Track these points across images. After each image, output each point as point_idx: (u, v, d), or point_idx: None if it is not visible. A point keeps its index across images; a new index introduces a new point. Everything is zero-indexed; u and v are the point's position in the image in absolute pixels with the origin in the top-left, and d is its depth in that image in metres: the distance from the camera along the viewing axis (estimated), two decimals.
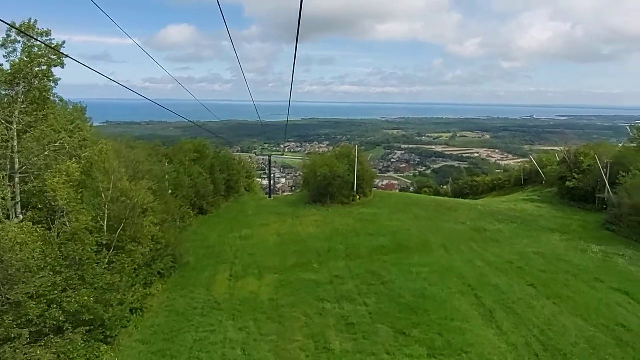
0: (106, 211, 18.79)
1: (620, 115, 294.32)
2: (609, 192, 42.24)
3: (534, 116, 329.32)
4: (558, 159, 64.33)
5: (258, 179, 76.99)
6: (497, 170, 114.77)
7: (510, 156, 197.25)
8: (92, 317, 14.82)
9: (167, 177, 31.36)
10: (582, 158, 52.04)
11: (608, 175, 43.85)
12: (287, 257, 27.17)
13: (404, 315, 18.01)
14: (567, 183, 51.33)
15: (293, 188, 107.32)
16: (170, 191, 31.69)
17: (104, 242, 18.08)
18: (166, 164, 32.80)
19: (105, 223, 18.80)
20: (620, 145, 54.33)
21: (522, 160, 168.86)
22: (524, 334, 16.77)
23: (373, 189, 55.42)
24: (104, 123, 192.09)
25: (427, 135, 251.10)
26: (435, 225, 37.28)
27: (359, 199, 47.96)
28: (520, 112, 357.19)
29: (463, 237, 33.14)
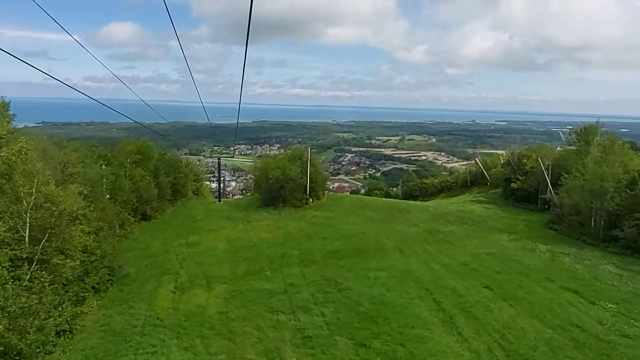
0: (27, 219, 16.44)
1: (553, 120, 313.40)
2: (551, 192, 43.91)
3: (476, 121, 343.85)
4: (502, 162, 66.79)
5: (207, 182, 74.15)
6: (444, 173, 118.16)
7: (455, 159, 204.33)
8: (1, 347, 12.52)
9: (104, 180, 28.72)
10: (525, 160, 54.10)
11: (550, 177, 45.65)
12: (238, 264, 25.55)
13: (364, 324, 17.05)
14: (512, 184, 53.05)
15: (244, 191, 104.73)
16: (107, 196, 29.07)
17: (24, 256, 15.74)
18: (103, 166, 30.07)
19: (27, 233, 16.45)
20: (558, 148, 56.91)
21: (466, 162, 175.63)
22: (485, 339, 16.30)
23: (326, 192, 54.66)
24: (39, 123, 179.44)
25: (376, 138, 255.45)
26: (389, 227, 36.94)
27: (312, 202, 46.96)
28: (464, 117, 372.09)
29: (417, 239, 32.94)
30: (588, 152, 41.81)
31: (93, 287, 20.55)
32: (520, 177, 52.58)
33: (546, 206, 47.04)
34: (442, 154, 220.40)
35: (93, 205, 22.13)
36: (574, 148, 45.10)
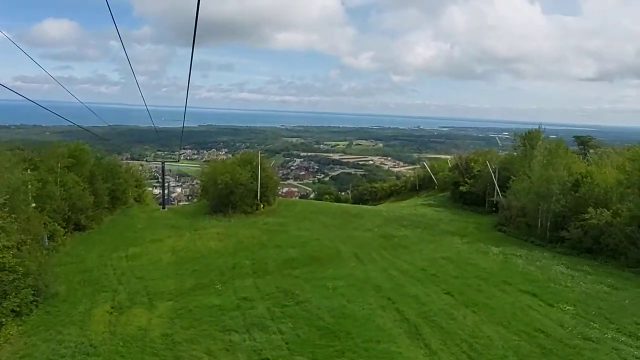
0: None
1: (491, 127, 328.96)
2: (498, 195, 44.95)
3: (421, 127, 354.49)
4: (450, 166, 68.30)
5: (150, 189, 70.08)
6: (392, 177, 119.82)
7: (402, 163, 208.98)
8: None
9: (28, 187, 25.48)
10: (472, 164, 55.38)
11: (497, 180, 46.81)
12: (185, 278, 23.39)
13: (325, 341, 15.72)
14: (461, 188, 54.04)
15: (190, 197, 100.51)
16: (33, 205, 25.86)
17: None
18: (28, 171, 26.74)
19: None
20: (500, 152, 58.76)
21: (412, 166, 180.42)
22: (453, 350, 15.50)
23: (276, 197, 53.00)
24: None
25: (325, 143, 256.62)
26: (344, 233, 35.99)
27: (263, 207, 45.23)
28: (409, 123, 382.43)
29: (373, 245, 32.20)
30: (533, 156, 43.18)
31: (13, 311, 17.77)
32: (468, 181, 53.69)
33: (493, 208, 48.21)
34: (389, 158, 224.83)
35: (14, 216, 19.34)
36: (519, 152, 46.52)
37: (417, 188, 77.88)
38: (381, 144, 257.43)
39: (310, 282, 22.39)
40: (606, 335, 16.83)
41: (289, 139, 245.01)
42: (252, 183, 43.32)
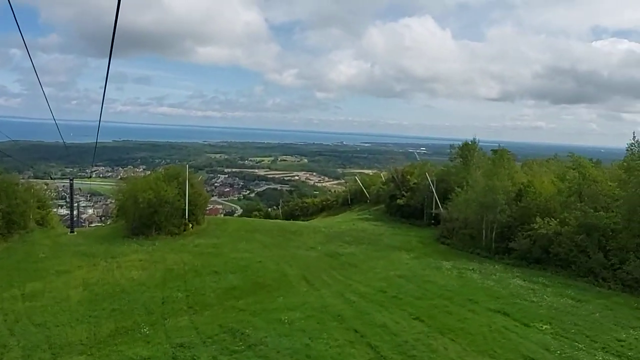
0: None
1: (409, 142, 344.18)
2: (439, 207, 44.45)
3: (344, 142, 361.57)
4: (384, 179, 67.93)
5: (55, 209, 61.52)
6: (317, 192, 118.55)
7: (327, 178, 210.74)
8: None
9: None
10: (408, 177, 55.00)
11: (435, 192, 46.45)
12: (101, 322, 18.72)
13: None
14: (398, 201, 53.31)
15: (104, 218, 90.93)
16: None
17: None
18: None
19: None
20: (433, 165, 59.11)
21: (337, 181, 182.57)
22: None
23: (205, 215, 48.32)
24: None
25: (249, 159, 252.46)
26: (286, 253, 32.79)
27: (192, 227, 40.61)
28: (332, 139, 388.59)
29: (321, 265, 29.36)
30: (470, 167, 43.34)
31: None
32: (405, 194, 53.13)
33: (432, 221, 47.76)
34: (314, 173, 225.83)
35: None
36: (456, 163, 46.69)
37: (349, 202, 77.00)
38: (306, 160, 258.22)
39: (260, 316, 18.91)
40: (596, 357, 15.38)
41: (213, 155, 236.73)
42: (179, 201, 38.69)
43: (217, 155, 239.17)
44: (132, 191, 37.00)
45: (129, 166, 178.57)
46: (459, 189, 37.86)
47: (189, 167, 45.15)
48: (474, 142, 44.84)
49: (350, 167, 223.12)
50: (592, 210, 26.98)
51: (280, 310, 19.59)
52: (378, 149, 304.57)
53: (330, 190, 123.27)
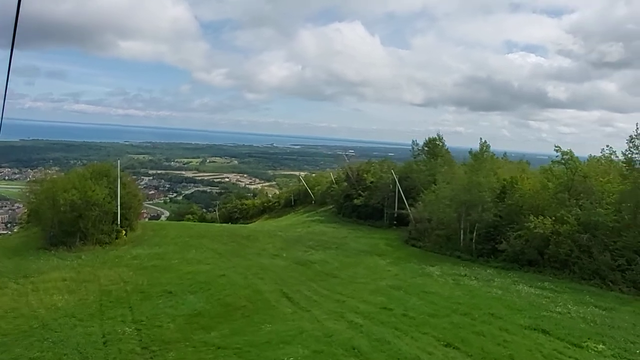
0: None
1: (338, 145, 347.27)
2: (405, 207, 41.36)
3: (274, 144, 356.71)
4: (333, 178, 64.19)
5: None
6: (248, 194, 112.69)
7: (258, 180, 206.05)
8: None
9: None
10: (364, 175, 51.61)
11: (399, 191, 43.40)
12: None
13: None
14: (355, 201, 49.76)
15: (10, 225, 78.02)
16: None
17: None
18: None
19: None
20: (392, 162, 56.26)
21: (268, 183, 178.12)
22: None
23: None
24: None
25: (176, 160, 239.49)
26: (249, 263, 27.50)
27: (126, 235, 33.75)
28: (262, 141, 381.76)
29: (295, 277, 24.56)
30: (437, 163, 40.77)
31: None
32: (362, 193, 49.68)
33: (394, 222, 44.70)
34: (245, 175, 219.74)
35: None
36: (420, 160, 43.97)
37: (293, 203, 72.77)
38: (236, 161, 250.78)
39: (246, 357, 13.78)
40: None
41: (135, 156, 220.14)
42: (109, 203, 31.76)
43: (141, 156, 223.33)
44: (49, 192, 29.38)
45: (40, 167, 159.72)
46: (435, 186, 34.81)
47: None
48: (439, 137, 42.41)
49: (281, 169, 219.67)
50: (593, 207, 24.90)
51: (273, 345, 14.59)
52: (308, 151, 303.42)
53: (261, 192, 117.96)
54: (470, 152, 32.44)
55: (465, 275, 25.56)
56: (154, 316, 16.93)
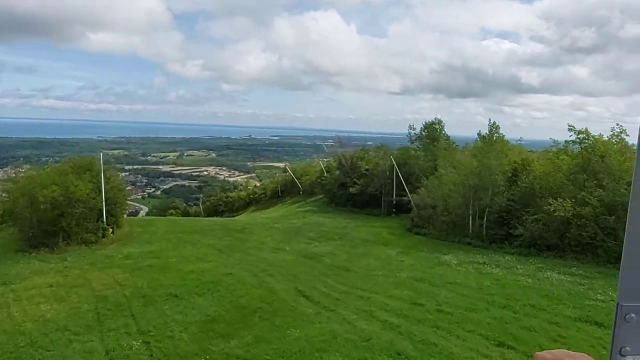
0: None
1: (317, 135, 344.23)
2: (406, 193, 39.84)
3: (252, 136, 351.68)
4: (323, 167, 62.28)
5: None
6: (227, 187, 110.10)
7: (237, 172, 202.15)
8: None
9: None
10: (359, 162, 49.92)
11: (396, 178, 41.90)
12: None
13: None
14: (350, 189, 48.04)
15: None
16: None
17: None
18: None
19: None
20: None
21: (247, 175, 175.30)
22: None
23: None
24: None
25: (152, 155, 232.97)
26: (253, 258, 25.45)
27: (113, 232, 31.15)
28: (240, 132, 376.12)
29: (309, 272, 22.66)
30: (438, 148, 39.33)
31: None
32: (357, 181, 47.99)
33: (393, 209, 43.25)
34: (224, 168, 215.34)
35: None
36: (419, 145, 42.43)
37: (280, 194, 70.83)
38: (214, 154, 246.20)
39: None
40: None
41: (110, 152, 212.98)
42: (94, 199, 29.10)
43: (116, 152, 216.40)
44: (27, 188, 26.45)
45: (10, 166, 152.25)
46: (437, 171, 33.28)
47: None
48: (438, 121, 40.89)
49: (260, 161, 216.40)
50: (616, 187, 23.73)
51: (307, 354, 12.71)
52: (287, 142, 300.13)
53: (242, 185, 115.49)
54: (478, 134, 30.90)
55: (485, 263, 24.25)
56: (163, 325, 14.78)
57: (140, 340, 13.57)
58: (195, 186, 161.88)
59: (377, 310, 16.49)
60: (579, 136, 27.39)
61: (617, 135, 27.91)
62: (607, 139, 28.40)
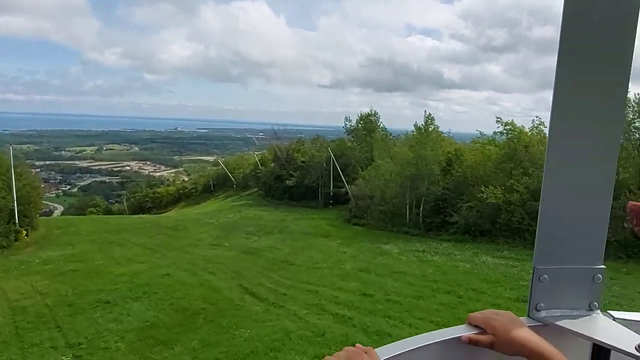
0: None
1: (247, 128, 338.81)
2: (344, 185, 40.01)
3: (179, 128, 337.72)
4: (258, 160, 61.01)
5: None
6: (154, 183, 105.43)
7: (163, 167, 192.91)
8: None
9: None
10: (295, 154, 49.45)
11: (334, 169, 42.03)
12: None
13: None
14: (287, 182, 47.46)
15: None
16: None
17: None
18: None
19: None
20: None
21: (175, 170, 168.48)
22: None
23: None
24: None
25: (67, 149, 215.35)
26: (190, 256, 24.06)
27: (27, 235, 28.02)
28: (165, 125, 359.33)
29: (251, 268, 21.79)
30: (374, 139, 39.91)
31: None
32: (294, 173, 47.49)
33: (331, 201, 43.38)
34: (148, 162, 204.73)
35: None
36: (355, 136, 42.76)
37: (212, 189, 68.66)
38: (137, 148, 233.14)
39: None
40: None
41: (19, 147, 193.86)
42: (3, 198, 25.92)
43: (25, 146, 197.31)
44: None
45: None
46: (374, 162, 33.76)
47: None
48: (375, 112, 41.45)
49: (188, 154, 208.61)
50: (540, 174, 25.36)
51: (262, 355, 12.02)
52: (216, 135, 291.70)
53: (168, 180, 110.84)
54: (415, 125, 31.68)
55: (424, 251, 24.86)
56: (95, 335, 13.28)
57: (70, 355, 12.05)
58: (117, 182, 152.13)
59: (327, 304, 16.15)
60: (505, 127, 28.93)
61: (536, 127, 29.93)
62: (528, 130, 30.41)
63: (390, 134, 39.72)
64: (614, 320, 1.30)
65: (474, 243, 26.35)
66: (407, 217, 31.84)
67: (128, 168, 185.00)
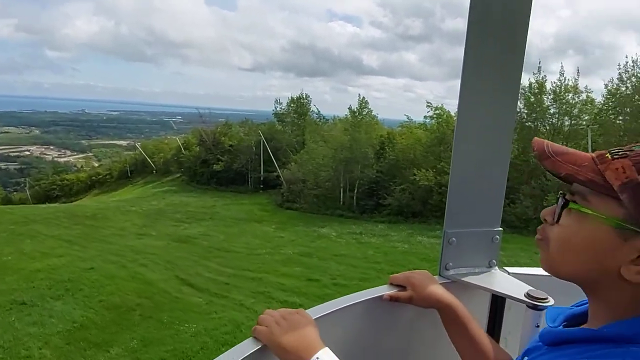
0: None
1: (163, 111, 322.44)
2: (276, 169, 39.26)
3: (86, 110, 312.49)
4: (181, 144, 57.92)
5: None
6: (60, 169, 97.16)
7: (69, 152, 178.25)
8: None
9: None
10: (222, 138, 47.59)
11: (264, 153, 41.09)
12: None
13: None
14: (215, 166, 45.62)
15: None
16: None
17: None
18: None
19: None
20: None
21: (83, 155, 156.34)
22: None
23: None
24: None
25: None
26: (116, 247, 22.04)
27: None
28: (70, 106, 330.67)
29: (186, 257, 20.47)
30: (306, 123, 39.57)
31: None
32: (221, 158, 45.71)
33: (261, 185, 42.46)
34: (51, 147, 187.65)
35: None
36: (287, 119, 42.01)
37: (129, 175, 64.38)
38: (37, 131, 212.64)
39: None
40: None
41: None
42: None
43: None
44: None
45: None
46: (311, 145, 33.51)
47: None
48: (306, 96, 40.94)
49: (97, 139, 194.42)
50: None
51: (213, 351, 11.18)
52: (129, 118, 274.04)
53: (76, 166, 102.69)
54: (349, 109, 31.76)
55: (362, 233, 25.20)
56: (13, 342, 11.53)
57: None
58: (16, 169, 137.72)
59: (273, 291, 15.60)
60: (435, 112, 29.98)
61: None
62: (454, 115, 31.80)
63: (324, 118, 39.51)
64: (508, 274, 1.48)
65: (407, 224, 27.20)
66: (341, 200, 32.05)
67: (28, 153, 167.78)
